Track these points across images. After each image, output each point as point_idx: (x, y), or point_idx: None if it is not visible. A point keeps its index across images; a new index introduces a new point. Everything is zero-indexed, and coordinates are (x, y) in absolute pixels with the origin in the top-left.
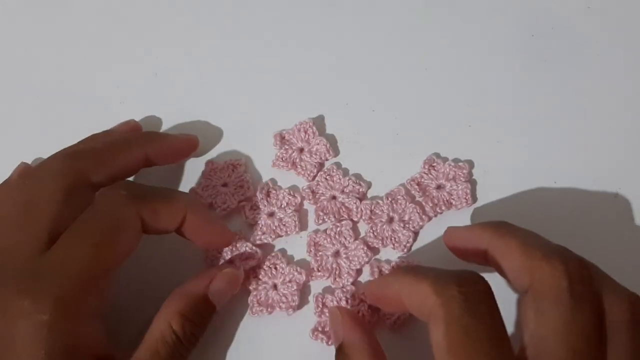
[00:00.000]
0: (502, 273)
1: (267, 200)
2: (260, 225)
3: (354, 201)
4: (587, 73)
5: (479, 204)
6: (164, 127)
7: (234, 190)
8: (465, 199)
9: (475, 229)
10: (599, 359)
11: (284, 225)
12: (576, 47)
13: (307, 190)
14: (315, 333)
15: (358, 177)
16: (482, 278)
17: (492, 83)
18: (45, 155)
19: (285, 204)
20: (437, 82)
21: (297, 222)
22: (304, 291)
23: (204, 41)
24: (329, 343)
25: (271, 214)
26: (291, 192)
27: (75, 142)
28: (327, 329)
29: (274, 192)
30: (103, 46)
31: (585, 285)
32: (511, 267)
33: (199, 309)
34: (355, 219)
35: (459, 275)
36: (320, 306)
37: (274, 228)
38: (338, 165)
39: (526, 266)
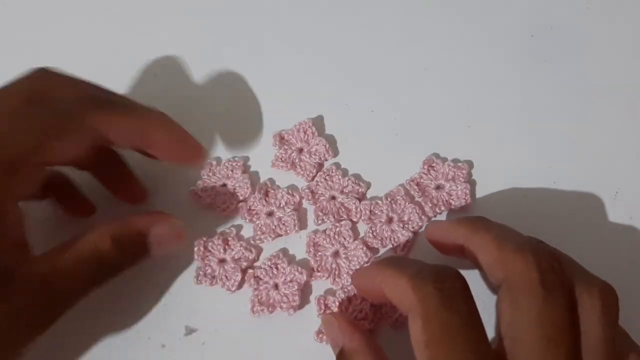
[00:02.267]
0: (479, 267)
1: (265, 200)
2: (260, 225)
3: (354, 201)
4: (587, 73)
5: (478, 204)
6: None
7: (234, 191)
8: (465, 199)
9: (453, 224)
10: (572, 347)
11: (283, 224)
12: (576, 47)
13: (306, 190)
14: (320, 335)
15: (357, 177)
16: (459, 273)
17: (492, 83)
18: None
19: (284, 203)
20: (437, 82)
21: (296, 221)
22: (305, 291)
23: (204, 41)
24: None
25: (270, 214)
26: (289, 192)
27: None
28: None
29: (272, 191)
30: (103, 46)
31: (556, 275)
32: (486, 260)
33: (132, 242)
34: (354, 220)
35: (436, 271)
36: (323, 308)
37: (273, 227)
38: (337, 165)
39: (500, 259)
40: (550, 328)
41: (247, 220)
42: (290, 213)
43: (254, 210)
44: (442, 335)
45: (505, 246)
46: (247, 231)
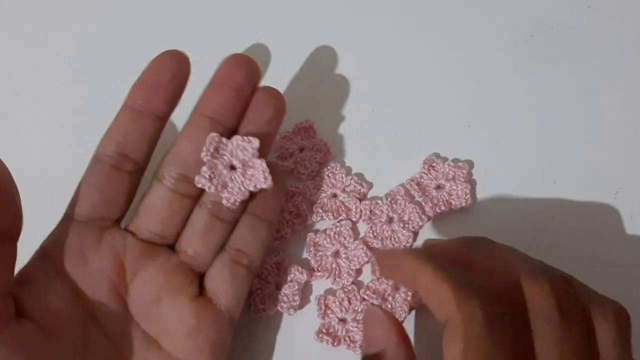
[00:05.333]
0: None
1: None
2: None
3: (354, 201)
4: (587, 73)
5: (478, 204)
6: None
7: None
8: (465, 199)
9: (455, 244)
10: None
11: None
12: (576, 47)
13: (309, 185)
14: (320, 335)
15: (360, 177)
16: (506, 298)
17: (492, 83)
18: (44, 155)
19: (284, 201)
20: (437, 82)
21: (306, 211)
22: (305, 291)
23: (204, 41)
24: (334, 344)
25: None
26: (292, 186)
27: (74, 142)
28: (331, 330)
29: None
30: (103, 46)
31: (571, 301)
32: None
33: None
34: (354, 219)
35: (485, 289)
36: (323, 308)
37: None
38: (342, 163)
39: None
40: (570, 355)
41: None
42: (298, 205)
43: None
44: None
45: (518, 273)
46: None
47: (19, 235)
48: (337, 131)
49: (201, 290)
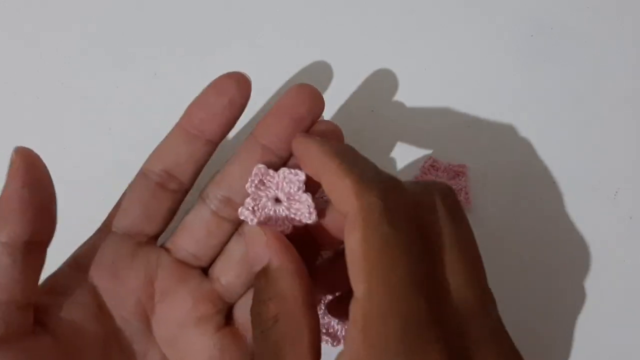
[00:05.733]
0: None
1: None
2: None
3: None
4: (587, 73)
5: (478, 204)
6: (164, 127)
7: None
8: (465, 198)
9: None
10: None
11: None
12: (576, 47)
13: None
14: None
15: None
16: (404, 186)
17: (492, 83)
18: (44, 156)
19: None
20: (437, 82)
21: (310, 204)
22: None
23: (204, 41)
24: (334, 344)
25: (277, 200)
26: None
27: (74, 141)
28: (331, 330)
29: (270, 176)
30: (103, 46)
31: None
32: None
33: None
34: None
35: (382, 179)
36: (323, 308)
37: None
38: None
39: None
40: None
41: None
42: (299, 196)
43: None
44: (382, 249)
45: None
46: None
47: (50, 242)
48: None
49: (228, 319)
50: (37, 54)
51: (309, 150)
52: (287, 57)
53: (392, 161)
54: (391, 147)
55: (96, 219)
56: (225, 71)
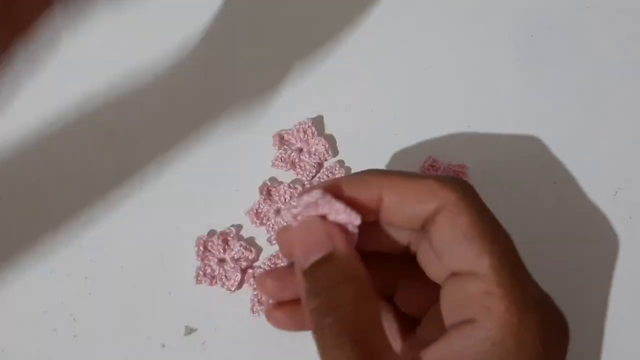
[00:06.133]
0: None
1: (269, 199)
2: (271, 225)
3: None
4: (586, 73)
5: None
6: (164, 127)
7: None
8: None
9: (359, 177)
10: None
11: None
12: (575, 47)
13: (307, 186)
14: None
15: None
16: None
17: (491, 83)
18: (45, 156)
19: (288, 198)
20: (437, 82)
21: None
22: None
23: (204, 41)
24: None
25: (278, 211)
26: (291, 185)
27: (73, 141)
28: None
29: (274, 189)
30: (103, 46)
31: None
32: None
33: None
34: None
35: (453, 177)
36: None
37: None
38: (341, 163)
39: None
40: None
41: (258, 225)
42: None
43: (261, 212)
44: (494, 227)
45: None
46: (247, 231)
47: None
48: (337, 131)
49: None
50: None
51: (358, 181)
52: (286, 57)
53: (392, 161)
54: (391, 147)
55: (97, 218)
56: (224, 70)
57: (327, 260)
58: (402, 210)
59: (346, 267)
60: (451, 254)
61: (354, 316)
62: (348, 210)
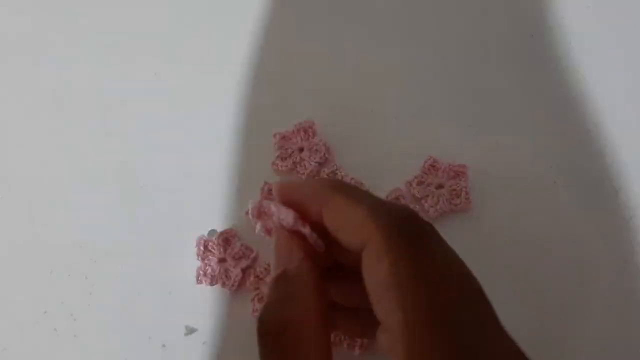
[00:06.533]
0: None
1: (270, 199)
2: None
3: None
4: (586, 73)
5: (478, 203)
6: (164, 127)
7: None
8: (466, 198)
9: (308, 187)
10: None
11: None
12: (575, 47)
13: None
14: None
15: (360, 177)
16: (413, 212)
17: (492, 83)
18: (45, 157)
19: None
20: (437, 82)
21: None
22: None
23: (204, 41)
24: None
25: None
26: None
27: (74, 142)
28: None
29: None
30: (103, 46)
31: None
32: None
33: None
34: None
35: (399, 207)
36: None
37: None
38: (342, 163)
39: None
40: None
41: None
42: None
43: (261, 212)
44: (414, 277)
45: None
46: (248, 230)
47: None
48: (337, 131)
49: None
50: (39, 55)
51: (300, 190)
52: (287, 57)
53: (392, 161)
54: (391, 147)
55: (97, 218)
56: (224, 71)
57: (281, 277)
58: (338, 233)
59: (294, 287)
60: (371, 295)
61: (293, 341)
62: (289, 214)
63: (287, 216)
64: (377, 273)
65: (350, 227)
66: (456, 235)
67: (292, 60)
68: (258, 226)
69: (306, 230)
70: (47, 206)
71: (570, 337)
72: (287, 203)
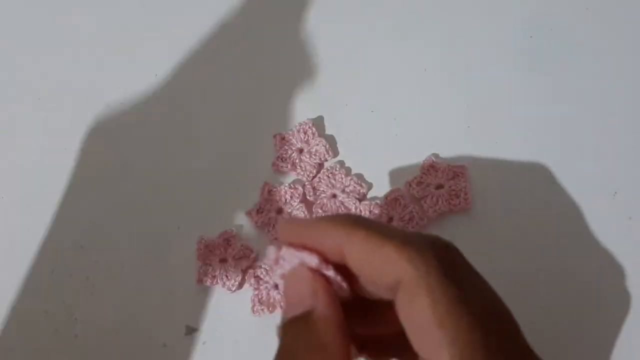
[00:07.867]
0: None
1: (270, 199)
2: (272, 225)
3: (354, 201)
4: (586, 73)
5: (478, 204)
6: (164, 127)
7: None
8: (465, 199)
9: (325, 223)
10: None
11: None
12: (575, 48)
13: (308, 186)
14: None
15: (360, 177)
16: (447, 240)
17: (491, 84)
18: (46, 157)
19: (289, 198)
20: (436, 83)
21: (306, 213)
22: None
23: (204, 42)
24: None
25: (279, 211)
26: (292, 186)
27: (74, 142)
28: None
29: (275, 189)
30: (104, 47)
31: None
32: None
33: None
34: None
35: (427, 238)
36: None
37: None
38: (342, 164)
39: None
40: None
41: (259, 225)
42: (298, 207)
43: (261, 212)
44: (458, 314)
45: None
46: (248, 231)
47: None
48: (337, 131)
49: None
50: (39, 55)
51: (312, 227)
52: (287, 57)
53: (392, 161)
54: (391, 147)
55: (98, 218)
56: (224, 71)
57: (302, 319)
58: (363, 271)
59: (319, 332)
60: (412, 335)
61: None
62: (313, 258)
63: (311, 260)
64: (417, 313)
65: (377, 265)
66: (456, 236)
67: (292, 61)
68: (278, 272)
69: (330, 272)
70: (48, 206)
71: (570, 337)
72: (295, 242)
